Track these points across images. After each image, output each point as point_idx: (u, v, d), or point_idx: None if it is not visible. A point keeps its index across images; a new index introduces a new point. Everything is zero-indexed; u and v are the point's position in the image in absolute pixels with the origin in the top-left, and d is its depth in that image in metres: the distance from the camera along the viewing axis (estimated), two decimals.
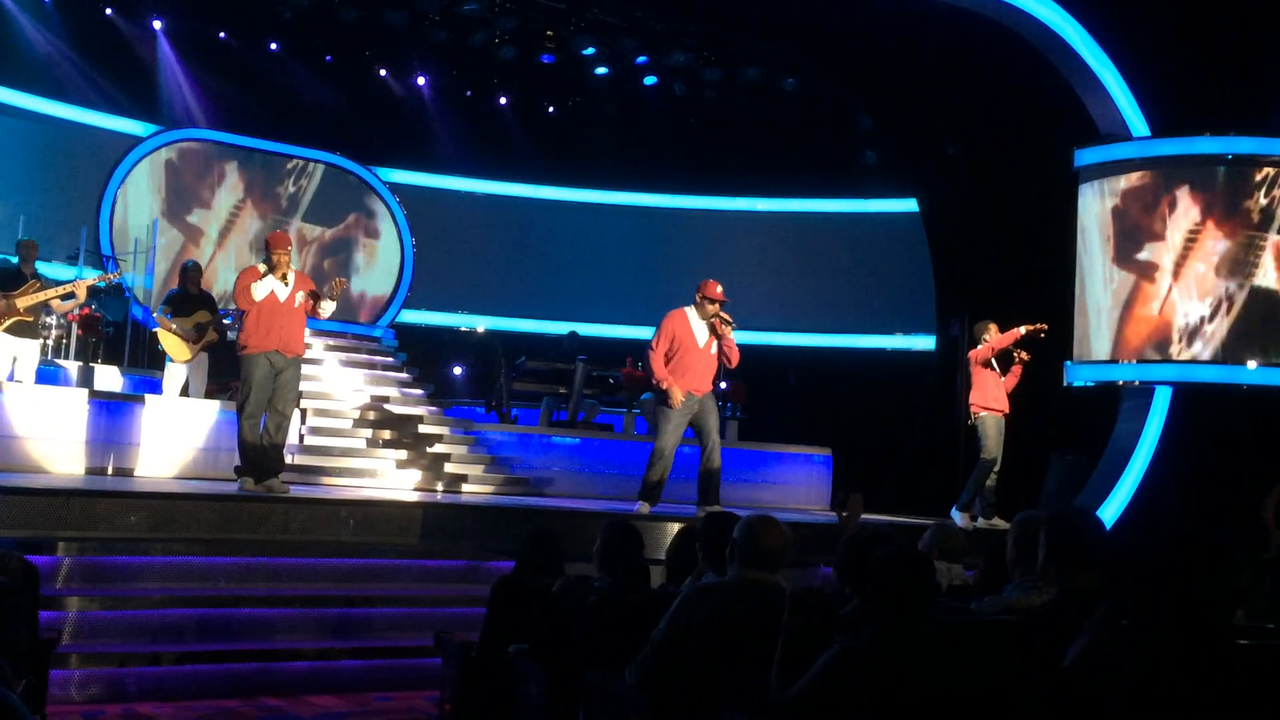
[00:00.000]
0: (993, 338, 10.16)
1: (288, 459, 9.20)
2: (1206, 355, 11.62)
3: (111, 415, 9.56)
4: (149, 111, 14.38)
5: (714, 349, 8.94)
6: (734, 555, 4.01)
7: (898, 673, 3.32)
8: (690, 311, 8.98)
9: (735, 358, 8.98)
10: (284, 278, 8.42)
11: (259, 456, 8.38)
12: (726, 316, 8.83)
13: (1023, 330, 10.07)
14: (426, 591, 7.58)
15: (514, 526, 8.25)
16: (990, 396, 10.14)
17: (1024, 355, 10.23)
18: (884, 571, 3.55)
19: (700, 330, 8.94)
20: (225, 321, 10.70)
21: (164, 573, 6.89)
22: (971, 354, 10.29)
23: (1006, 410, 10.19)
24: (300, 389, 9.11)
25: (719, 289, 8.87)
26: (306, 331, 9.14)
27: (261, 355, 8.37)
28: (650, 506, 8.87)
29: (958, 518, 9.89)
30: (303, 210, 15.07)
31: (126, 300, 12.45)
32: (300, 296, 8.53)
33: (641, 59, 15.23)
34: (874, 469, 13.64)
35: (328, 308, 8.68)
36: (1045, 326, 10.12)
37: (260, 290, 8.35)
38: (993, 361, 10.15)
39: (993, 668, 3.42)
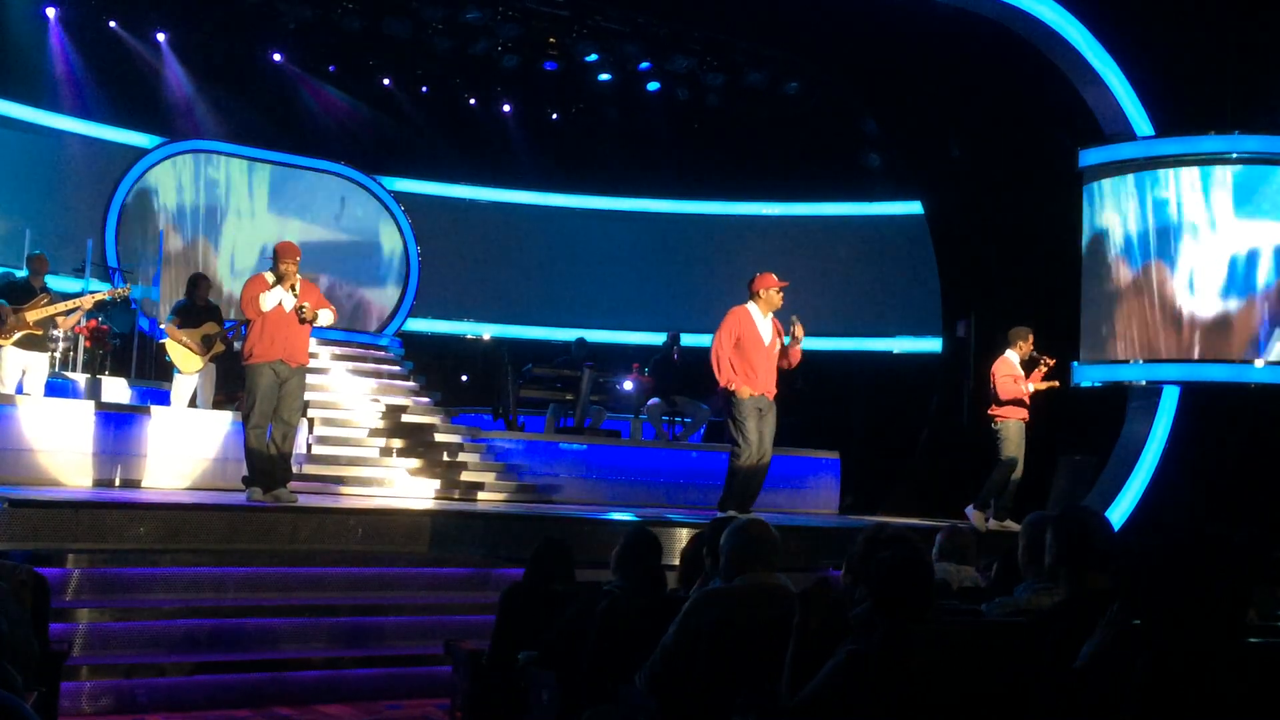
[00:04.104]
0: (1022, 352, 10.10)
1: (295, 468, 9.21)
2: (1213, 354, 11.59)
3: (119, 427, 9.58)
4: (154, 123, 14.40)
5: (776, 348, 8.58)
6: (736, 561, 4.01)
7: (908, 676, 3.31)
8: (753, 308, 8.53)
9: (797, 357, 8.64)
10: (292, 288, 8.43)
11: (266, 466, 8.39)
12: (796, 330, 8.50)
13: (1030, 387, 10.08)
14: (436, 599, 7.58)
15: (523, 533, 8.26)
16: (1014, 404, 10.09)
17: (1049, 360, 10.20)
18: (881, 574, 3.55)
19: (765, 328, 8.51)
20: (229, 335, 10.71)
21: (173, 583, 6.90)
22: (995, 374, 10.10)
23: (1027, 416, 10.16)
24: (306, 398, 9.10)
25: (774, 277, 8.52)
26: (312, 341, 9.15)
27: (266, 365, 8.37)
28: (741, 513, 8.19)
29: (972, 516, 9.84)
30: (307, 220, 15.08)
31: (133, 312, 12.49)
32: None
33: (644, 65, 15.22)
34: (882, 472, 13.62)
35: (324, 316, 8.60)
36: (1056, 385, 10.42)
37: (269, 301, 8.35)
38: (1018, 367, 10.14)
39: (1004, 670, 3.41)
